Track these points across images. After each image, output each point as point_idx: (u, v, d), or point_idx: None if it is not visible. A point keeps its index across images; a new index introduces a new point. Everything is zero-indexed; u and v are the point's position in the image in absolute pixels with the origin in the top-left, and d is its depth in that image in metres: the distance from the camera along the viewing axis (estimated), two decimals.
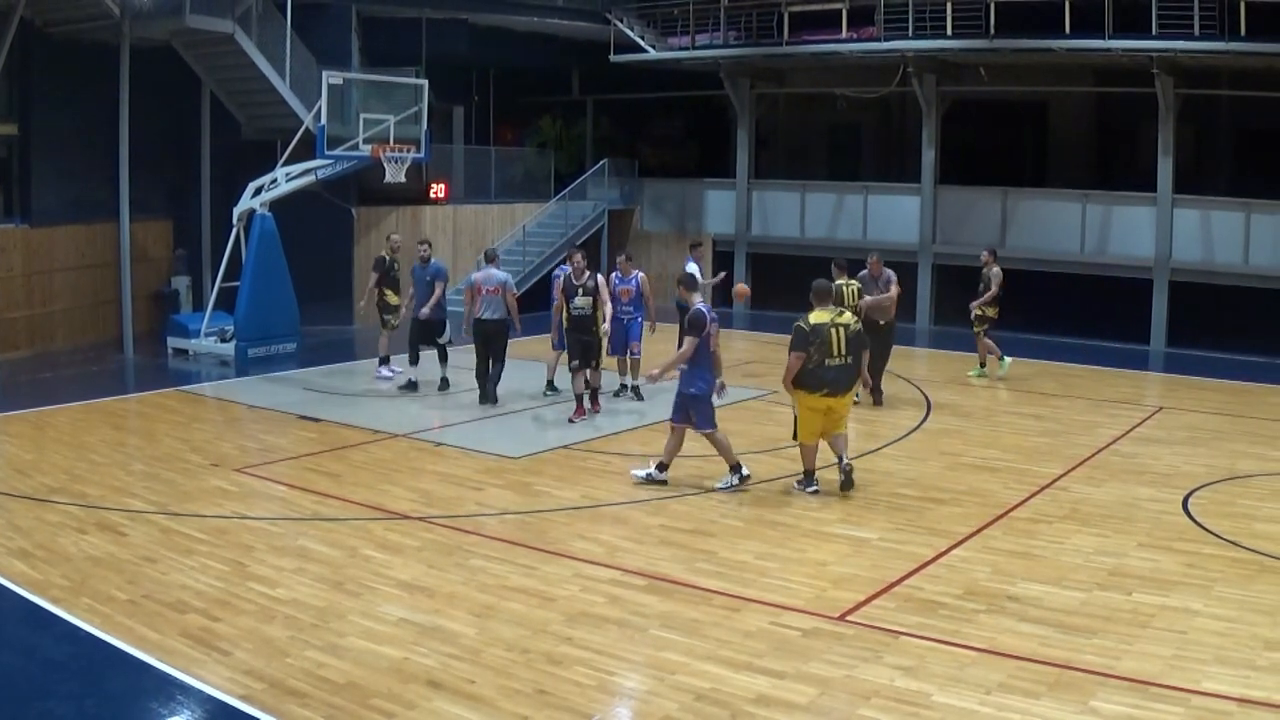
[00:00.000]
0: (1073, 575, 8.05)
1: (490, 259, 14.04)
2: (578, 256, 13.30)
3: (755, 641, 6.87)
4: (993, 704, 6.04)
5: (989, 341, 15.87)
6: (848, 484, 10.04)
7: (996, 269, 15.63)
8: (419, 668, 6.47)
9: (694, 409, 10.12)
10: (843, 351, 9.90)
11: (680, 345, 10.74)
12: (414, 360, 14.67)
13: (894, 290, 14.12)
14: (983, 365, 16.07)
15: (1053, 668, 6.48)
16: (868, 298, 13.73)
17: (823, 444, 10.17)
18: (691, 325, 10.09)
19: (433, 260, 14.78)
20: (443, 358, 14.72)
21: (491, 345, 13.60)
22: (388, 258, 15.37)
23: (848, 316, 10.21)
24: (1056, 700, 6.07)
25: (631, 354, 14.04)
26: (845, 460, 10.08)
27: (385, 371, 15.44)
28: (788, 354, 9.91)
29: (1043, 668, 6.48)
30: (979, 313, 15.66)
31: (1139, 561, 8.36)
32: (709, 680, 6.33)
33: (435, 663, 6.54)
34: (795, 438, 10.45)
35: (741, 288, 17.33)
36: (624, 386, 14.21)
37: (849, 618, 7.27)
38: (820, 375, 9.86)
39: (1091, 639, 6.89)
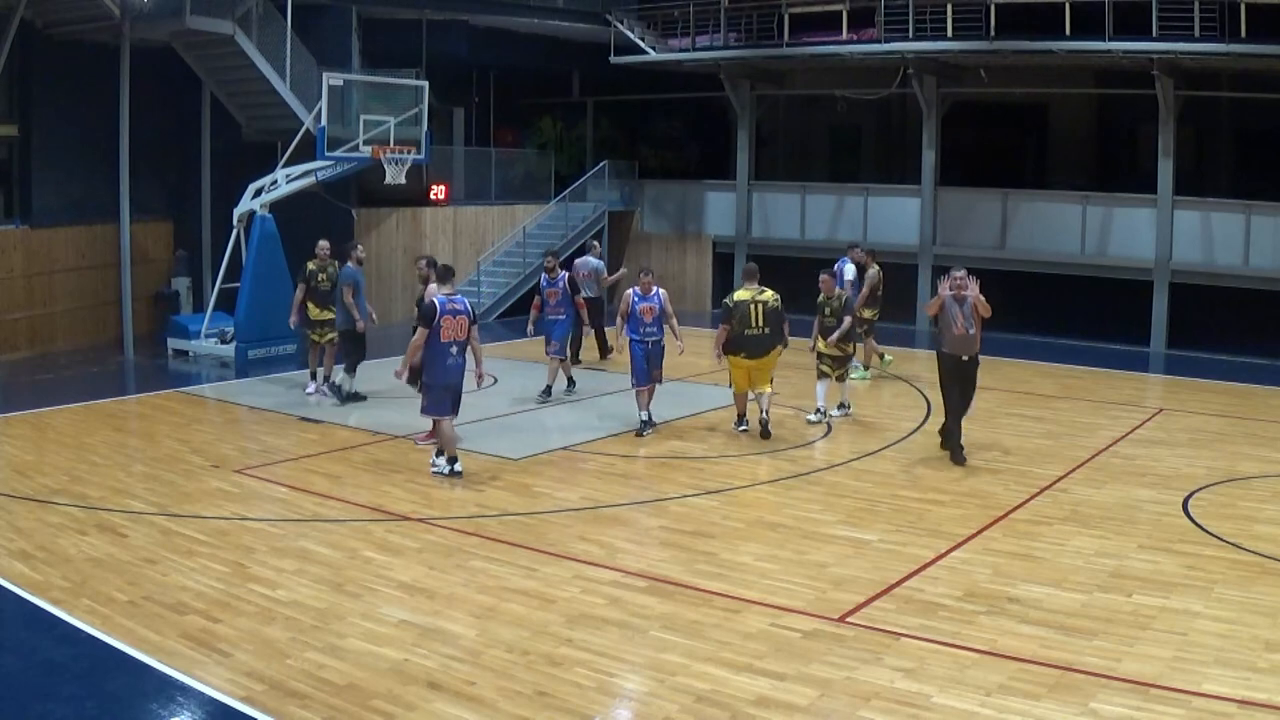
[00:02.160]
0: (1073, 577, 8.05)
1: (588, 249, 17.87)
2: (421, 263, 12.88)
3: (756, 643, 6.87)
4: (993, 706, 6.03)
5: (872, 341, 15.83)
6: (765, 434, 12.15)
7: (874, 268, 15.63)
8: (419, 669, 6.47)
9: (425, 394, 10.63)
10: (760, 323, 11.98)
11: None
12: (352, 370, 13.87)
13: (981, 303, 11.23)
14: (867, 366, 15.94)
15: (1053, 669, 6.48)
16: (955, 329, 11.19)
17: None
18: (422, 316, 10.41)
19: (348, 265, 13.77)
20: (351, 368, 13.90)
21: (592, 319, 16.42)
22: (312, 267, 14.15)
23: (768, 295, 12.11)
24: (1057, 702, 6.06)
25: (657, 381, 12.63)
26: (765, 414, 12.21)
27: (310, 387, 14.38)
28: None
29: (1043, 669, 6.48)
30: (859, 315, 14.81)
31: (1139, 563, 8.36)
32: (709, 682, 6.33)
33: (435, 664, 6.54)
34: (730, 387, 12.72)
35: None
36: (644, 422, 12.48)
37: (849, 619, 7.27)
38: (740, 341, 12.02)
39: (1092, 641, 6.89)
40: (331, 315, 14.02)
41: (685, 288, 24.42)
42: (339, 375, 14.00)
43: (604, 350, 17.15)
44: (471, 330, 10.47)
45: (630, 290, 12.84)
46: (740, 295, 12.14)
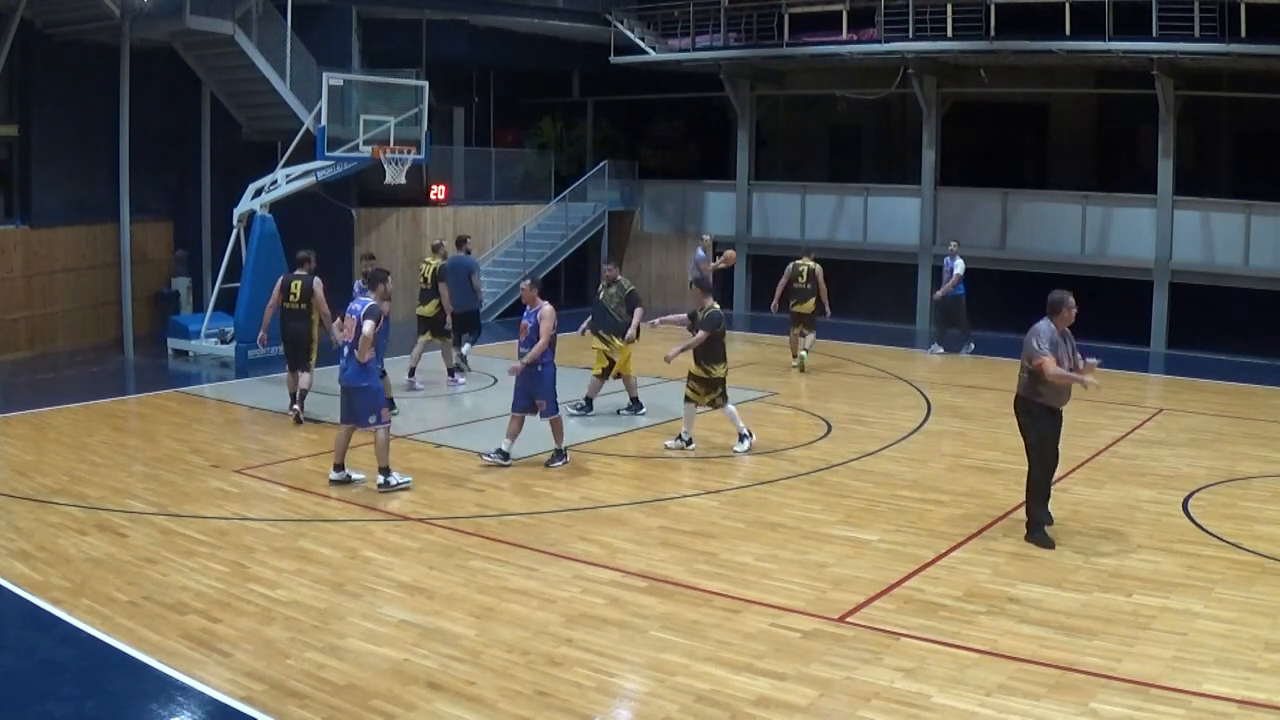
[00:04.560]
0: (1073, 577, 8.05)
1: (700, 242, 20.16)
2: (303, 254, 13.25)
3: (756, 643, 6.87)
4: (993, 706, 6.03)
5: (798, 334, 16.99)
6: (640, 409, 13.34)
7: (792, 264, 16.89)
8: (419, 669, 6.47)
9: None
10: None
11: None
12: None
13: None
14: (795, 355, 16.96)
15: (1053, 669, 6.48)
16: (1048, 368, 8.37)
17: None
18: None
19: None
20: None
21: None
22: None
23: None
24: (1057, 702, 6.06)
25: (540, 411, 11.10)
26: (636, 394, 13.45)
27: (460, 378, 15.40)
28: (630, 313, 12.87)
29: (1043, 669, 6.48)
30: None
31: (1139, 563, 8.36)
32: (709, 682, 6.33)
33: (435, 664, 6.54)
34: (620, 375, 13.25)
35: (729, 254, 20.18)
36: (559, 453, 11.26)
37: (849, 619, 7.27)
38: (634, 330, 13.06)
39: (1092, 640, 6.89)
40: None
41: (685, 288, 24.38)
42: (457, 354, 15.54)
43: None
44: (361, 326, 10.00)
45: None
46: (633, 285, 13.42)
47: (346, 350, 10.27)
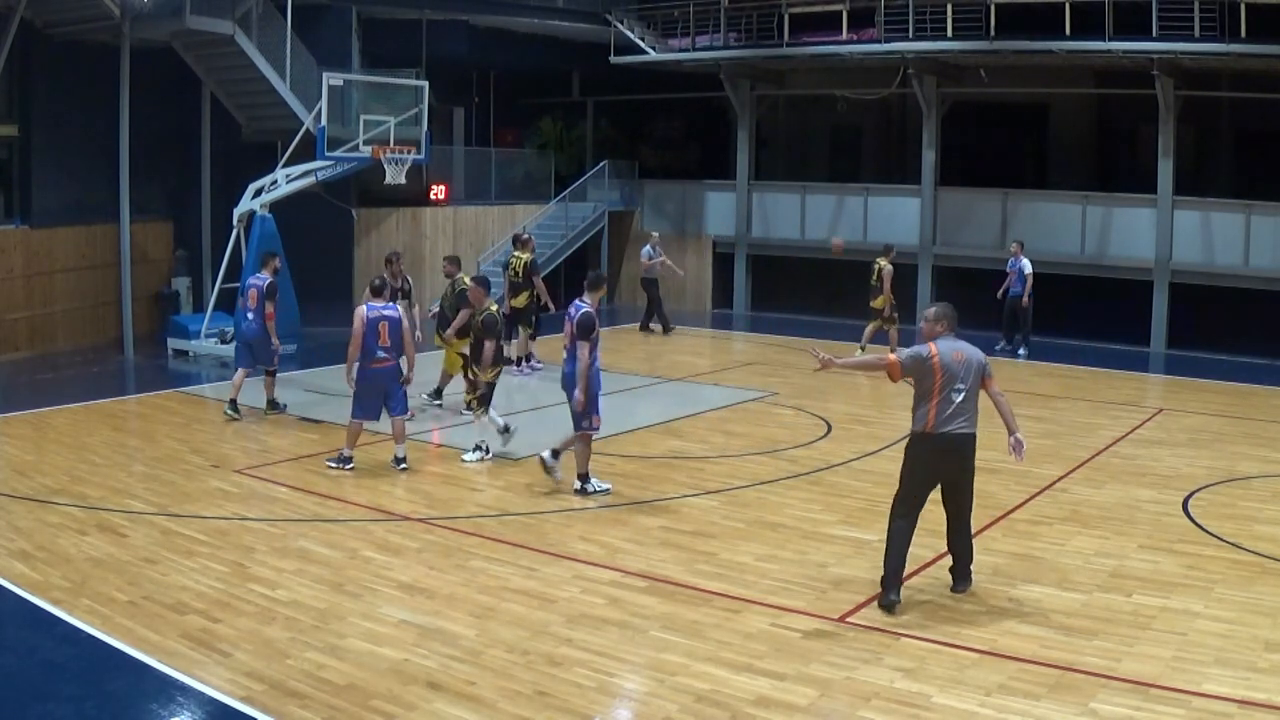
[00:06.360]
0: (1073, 577, 8.05)
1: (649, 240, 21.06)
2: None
3: (755, 643, 6.87)
4: (993, 706, 6.04)
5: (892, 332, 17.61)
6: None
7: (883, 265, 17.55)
8: (419, 669, 6.47)
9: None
10: None
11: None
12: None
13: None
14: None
15: (1053, 669, 6.48)
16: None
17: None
18: (585, 328, 9.81)
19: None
20: None
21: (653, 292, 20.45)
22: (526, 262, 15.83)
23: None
24: (1057, 702, 6.06)
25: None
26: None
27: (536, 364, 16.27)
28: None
29: (1043, 669, 6.48)
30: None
31: (1139, 563, 8.37)
32: (709, 682, 6.33)
33: (435, 664, 6.54)
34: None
35: (837, 241, 20.10)
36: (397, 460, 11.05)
37: (849, 619, 7.27)
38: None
39: (1092, 640, 6.89)
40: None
41: (685, 288, 24.41)
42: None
43: (666, 327, 20.54)
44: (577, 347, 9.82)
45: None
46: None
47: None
